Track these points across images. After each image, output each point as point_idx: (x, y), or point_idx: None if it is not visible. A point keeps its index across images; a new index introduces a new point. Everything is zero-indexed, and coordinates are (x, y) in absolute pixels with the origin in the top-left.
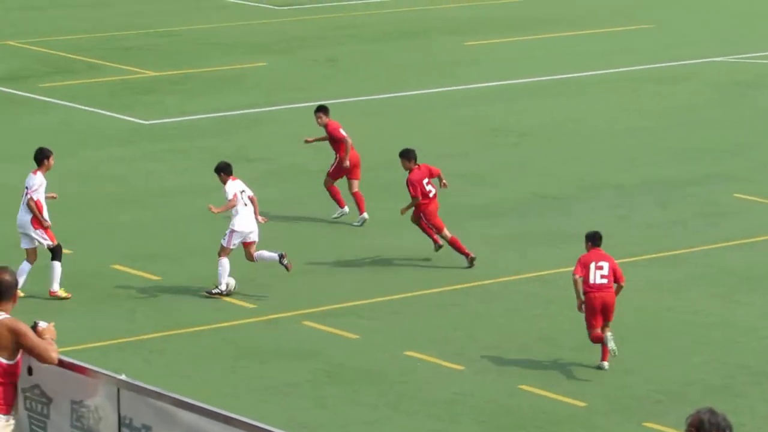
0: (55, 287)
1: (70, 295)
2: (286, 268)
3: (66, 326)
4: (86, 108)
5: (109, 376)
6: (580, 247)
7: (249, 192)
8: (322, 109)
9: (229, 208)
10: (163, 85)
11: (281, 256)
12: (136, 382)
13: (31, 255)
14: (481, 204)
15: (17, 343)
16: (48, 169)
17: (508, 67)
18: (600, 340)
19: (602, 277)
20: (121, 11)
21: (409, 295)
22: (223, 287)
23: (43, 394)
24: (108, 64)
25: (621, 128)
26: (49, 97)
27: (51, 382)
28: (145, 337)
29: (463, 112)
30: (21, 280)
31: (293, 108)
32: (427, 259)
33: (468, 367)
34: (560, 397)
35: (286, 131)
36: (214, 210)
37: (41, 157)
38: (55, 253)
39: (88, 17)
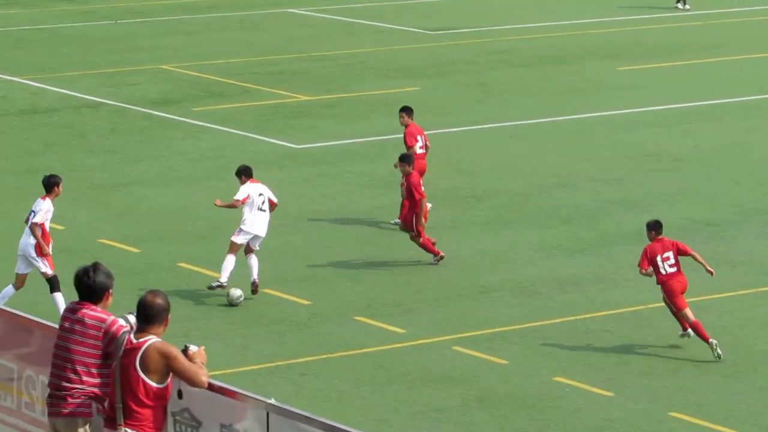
0: None
1: None
2: (254, 288)
3: (216, 350)
4: (238, 132)
5: (259, 400)
6: (734, 274)
7: (272, 197)
8: (405, 110)
9: (233, 206)
10: (316, 109)
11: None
12: (286, 407)
13: (21, 281)
14: (633, 230)
15: (168, 367)
16: (57, 195)
17: (661, 92)
18: (697, 326)
19: (671, 266)
20: (273, 36)
21: (558, 320)
22: (223, 279)
23: (192, 417)
24: (260, 88)
25: None
26: (201, 121)
27: (201, 406)
28: (295, 361)
29: (616, 137)
30: (2, 303)
31: (446, 132)
32: (576, 285)
33: (618, 393)
34: (711, 425)
35: (438, 156)
36: (219, 203)
37: (51, 184)
38: (53, 284)
39: (240, 41)
